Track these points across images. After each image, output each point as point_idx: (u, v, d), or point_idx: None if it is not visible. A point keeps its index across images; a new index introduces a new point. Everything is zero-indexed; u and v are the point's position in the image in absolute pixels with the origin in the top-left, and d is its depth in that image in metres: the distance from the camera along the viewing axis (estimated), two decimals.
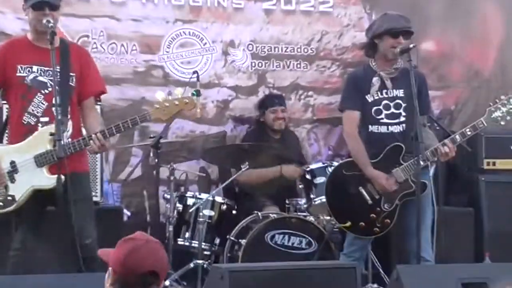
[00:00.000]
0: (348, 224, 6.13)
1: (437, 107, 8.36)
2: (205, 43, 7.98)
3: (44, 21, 5.40)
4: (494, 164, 7.73)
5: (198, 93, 6.11)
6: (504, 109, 6.05)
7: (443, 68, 8.51)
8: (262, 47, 8.13)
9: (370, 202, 6.10)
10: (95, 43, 7.67)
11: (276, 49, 8.17)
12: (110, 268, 3.37)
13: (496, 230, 7.51)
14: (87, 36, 7.66)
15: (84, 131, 5.67)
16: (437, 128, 6.75)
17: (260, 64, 8.14)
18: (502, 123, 6.10)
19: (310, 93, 8.22)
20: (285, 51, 8.18)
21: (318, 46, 8.25)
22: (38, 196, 5.45)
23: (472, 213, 7.55)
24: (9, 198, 5.44)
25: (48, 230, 5.63)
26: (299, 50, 8.22)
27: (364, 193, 6.10)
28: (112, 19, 7.74)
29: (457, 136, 6.01)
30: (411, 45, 5.98)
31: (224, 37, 8.05)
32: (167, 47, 7.88)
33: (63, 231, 5.41)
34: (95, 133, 5.41)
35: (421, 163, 5.84)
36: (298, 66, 8.22)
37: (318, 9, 8.24)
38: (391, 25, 6.10)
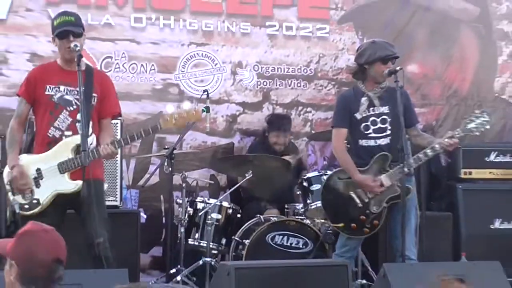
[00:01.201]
0: (341, 225, 6.14)
1: (421, 122, 8.19)
2: (216, 64, 7.98)
3: (72, 45, 5.42)
4: (470, 173, 7.72)
5: (207, 110, 6.20)
6: (478, 121, 6.08)
7: (426, 88, 8.53)
8: (267, 68, 8.13)
9: (360, 205, 6.11)
10: (117, 63, 7.67)
11: (279, 69, 8.16)
12: (12, 262, 3.21)
13: (471, 232, 7.49)
14: (111, 57, 7.67)
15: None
16: None
17: (265, 83, 8.12)
18: (477, 133, 6.13)
19: (309, 109, 8.20)
20: (287, 71, 8.18)
21: (316, 67, 8.25)
22: (60, 200, 5.47)
23: (451, 218, 7.52)
24: (34, 201, 5.44)
25: (68, 231, 5.51)
26: (299, 70, 8.21)
27: (355, 197, 6.12)
28: (132, 42, 7.75)
29: (436, 146, 6.05)
30: (398, 68, 6.02)
31: (233, 58, 8.05)
32: (182, 67, 7.88)
33: (81, 232, 5.39)
34: (106, 143, 5.43)
35: (406, 170, 5.91)
36: (299, 85, 8.21)
37: (316, 34, 8.24)
38: (384, 53, 6.12)
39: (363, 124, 6.15)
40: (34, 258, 3.22)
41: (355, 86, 6.30)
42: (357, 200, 6.12)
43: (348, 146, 6.30)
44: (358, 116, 6.15)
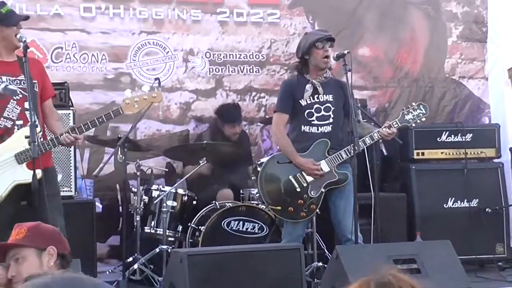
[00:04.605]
0: (278, 207, 6.20)
1: (374, 104, 8.43)
2: (168, 52, 7.95)
3: (18, 36, 5.40)
4: (423, 154, 7.77)
5: None
6: (415, 113, 6.27)
7: (377, 70, 8.53)
8: (219, 55, 8.10)
9: (298, 189, 6.17)
10: (68, 54, 7.61)
11: (231, 56, 8.14)
12: (50, 248, 3.28)
13: (425, 212, 7.56)
14: (61, 48, 7.60)
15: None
16: (372, 123, 6.76)
17: (217, 70, 8.10)
18: (413, 124, 6.41)
19: (263, 94, 8.19)
20: (239, 57, 8.15)
21: (268, 52, 8.23)
22: (14, 192, 5.40)
23: (405, 198, 7.57)
24: None
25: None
26: (251, 56, 8.19)
27: (294, 181, 6.17)
28: (83, 32, 7.69)
29: (375, 134, 6.15)
30: (346, 51, 6.06)
31: (184, 46, 8.01)
32: (134, 56, 7.84)
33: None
34: (68, 131, 5.39)
35: (344, 156, 6.07)
36: (251, 70, 8.19)
37: (267, 20, 8.22)
38: (315, 38, 6.22)
39: (307, 111, 6.21)
40: (62, 239, 3.41)
41: (299, 74, 6.34)
42: (296, 184, 6.17)
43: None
44: (302, 102, 6.21)
